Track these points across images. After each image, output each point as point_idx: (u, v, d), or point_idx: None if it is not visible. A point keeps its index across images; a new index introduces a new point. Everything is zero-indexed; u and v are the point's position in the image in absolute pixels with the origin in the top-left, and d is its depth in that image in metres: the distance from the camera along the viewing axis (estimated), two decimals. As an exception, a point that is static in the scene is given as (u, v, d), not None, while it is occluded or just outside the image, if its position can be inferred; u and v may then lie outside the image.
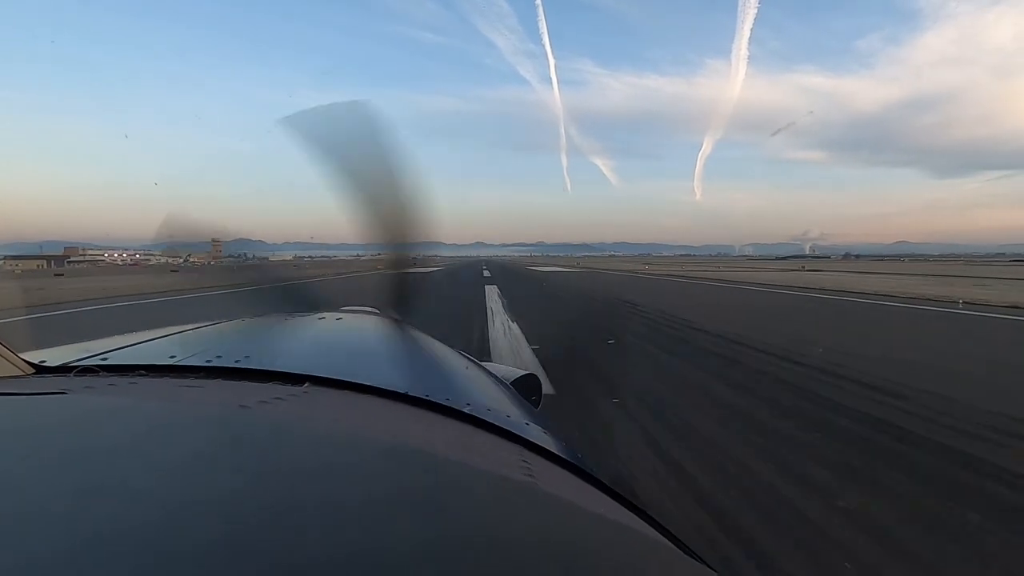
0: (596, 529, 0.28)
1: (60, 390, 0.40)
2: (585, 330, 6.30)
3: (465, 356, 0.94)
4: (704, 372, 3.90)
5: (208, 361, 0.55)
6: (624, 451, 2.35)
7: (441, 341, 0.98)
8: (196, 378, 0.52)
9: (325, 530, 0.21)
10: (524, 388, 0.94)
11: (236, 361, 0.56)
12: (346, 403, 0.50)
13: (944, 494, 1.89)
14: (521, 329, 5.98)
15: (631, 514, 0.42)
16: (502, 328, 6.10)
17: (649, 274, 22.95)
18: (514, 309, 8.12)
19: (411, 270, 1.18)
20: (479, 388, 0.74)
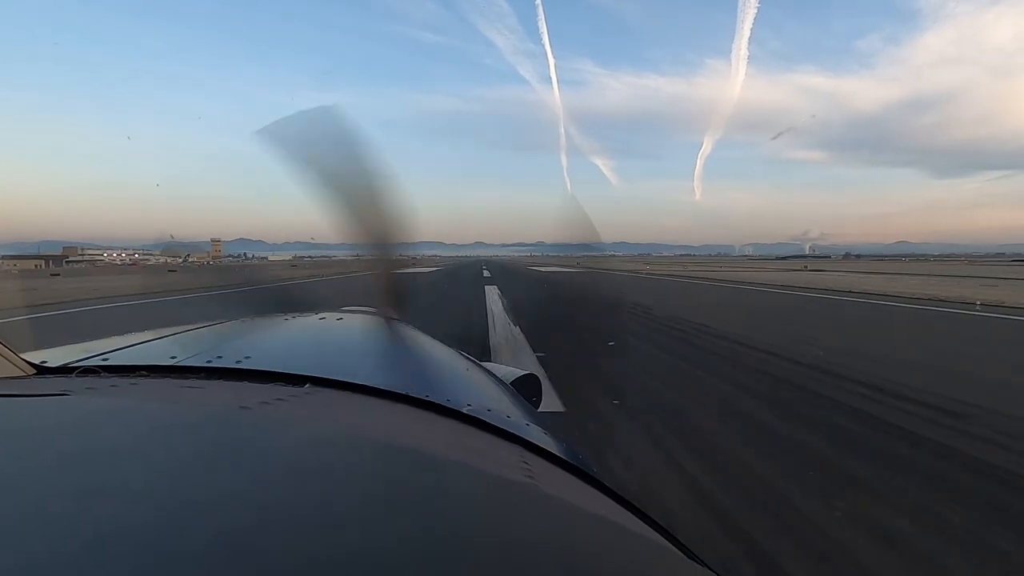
0: (597, 531, 0.28)
1: (62, 391, 0.40)
2: (594, 335, 5.83)
3: (465, 356, 0.94)
4: (754, 398, 3.24)
5: (209, 362, 0.55)
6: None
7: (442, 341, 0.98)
8: (197, 379, 0.52)
9: (326, 530, 0.21)
10: (524, 388, 0.94)
11: (237, 362, 0.56)
12: (347, 404, 0.50)
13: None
14: (524, 334, 5.70)
15: (632, 516, 0.42)
16: (504, 333, 5.83)
17: (651, 274, 22.65)
18: (516, 312, 7.79)
19: (398, 271, 1.20)
20: (479, 388, 0.74)
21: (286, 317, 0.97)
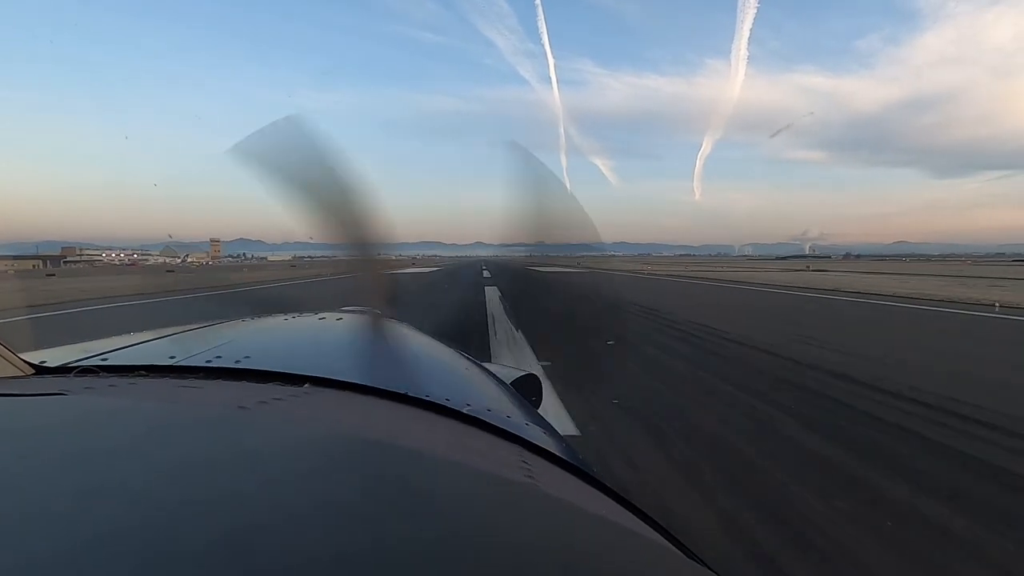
0: (597, 530, 0.28)
1: (60, 391, 0.40)
2: (601, 340, 5.51)
3: (465, 356, 0.94)
4: (783, 413, 2.99)
5: (208, 362, 0.55)
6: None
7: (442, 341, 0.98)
8: (196, 379, 0.52)
9: (325, 531, 0.21)
10: (524, 388, 0.94)
11: (236, 362, 0.56)
12: (346, 404, 0.50)
13: None
14: (528, 340, 5.38)
15: (631, 515, 0.42)
16: (505, 339, 5.52)
17: (653, 274, 22.39)
18: (518, 315, 7.43)
19: (382, 271, 1.23)
20: (479, 388, 0.74)
21: (286, 317, 0.97)
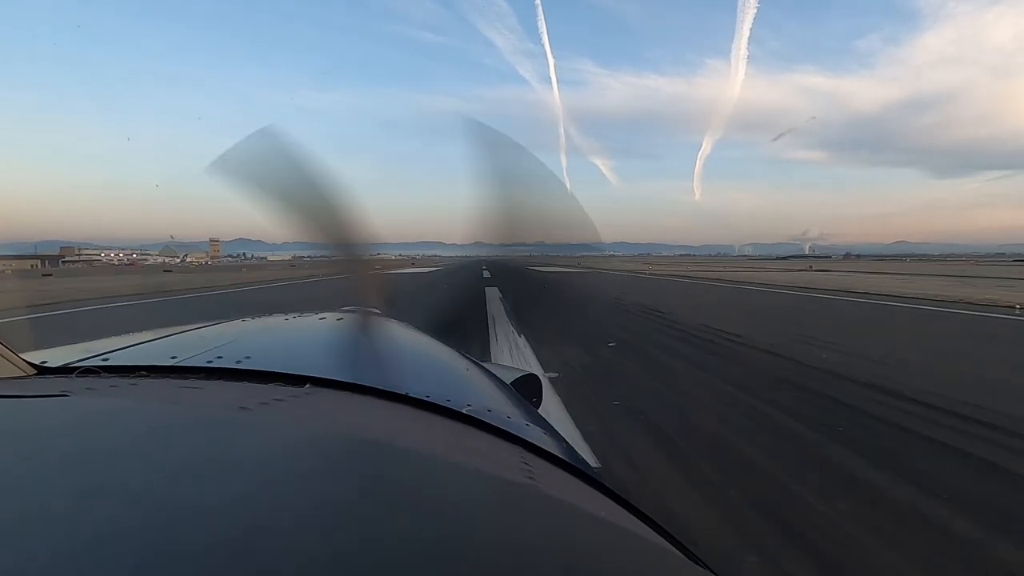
0: (597, 531, 0.28)
1: (61, 391, 0.40)
2: (611, 347, 5.09)
3: (465, 357, 0.94)
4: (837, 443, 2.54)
5: (209, 362, 0.55)
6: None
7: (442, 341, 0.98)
8: (197, 379, 0.52)
9: (326, 531, 0.21)
10: (524, 388, 0.94)
11: (237, 362, 0.56)
12: (347, 404, 0.50)
13: None
14: (531, 347, 5.03)
15: (632, 517, 0.42)
16: (507, 346, 5.16)
17: (655, 275, 22.03)
18: (520, 319, 7.05)
19: (367, 271, 1.26)
20: (479, 389, 0.74)
21: (286, 317, 0.97)
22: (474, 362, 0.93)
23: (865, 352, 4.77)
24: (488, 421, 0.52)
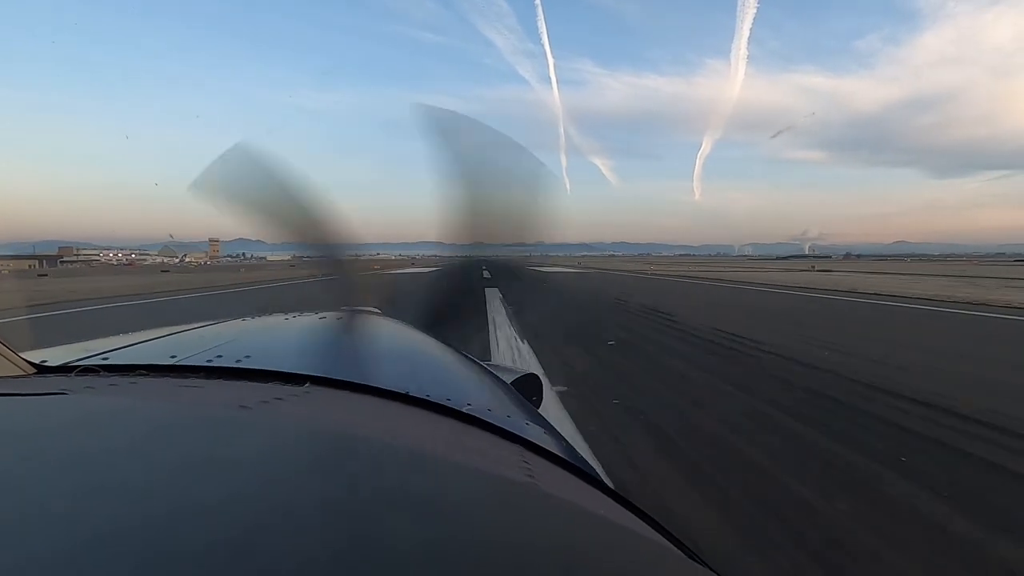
0: (597, 531, 0.28)
1: (61, 390, 0.40)
2: (625, 355, 4.69)
3: (466, 356, 0.94)
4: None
5: (209, 361, 0.55)
6: None
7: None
8: (197, 378, 0.52)
9: (326, 531, 0.21)
10: (524, 388, 0.94)
11: (237, 361, 0.56)
12: (347, 403, 0.50)
13: None
14: (537, 356, 4.61)
15: (632, 516, 0.42)
16: (510, 354, 4.77)
17: (657, 275, 21.65)
18: (521, 321, 6.73)
19: (353, 272, 1.28)
20: (479, 388, 0.74)
21: (286, 317, 0.97)
22: (474, 361, 0.93)
23: (913, 364, 4.24)
24: (488, 420, 0.52)
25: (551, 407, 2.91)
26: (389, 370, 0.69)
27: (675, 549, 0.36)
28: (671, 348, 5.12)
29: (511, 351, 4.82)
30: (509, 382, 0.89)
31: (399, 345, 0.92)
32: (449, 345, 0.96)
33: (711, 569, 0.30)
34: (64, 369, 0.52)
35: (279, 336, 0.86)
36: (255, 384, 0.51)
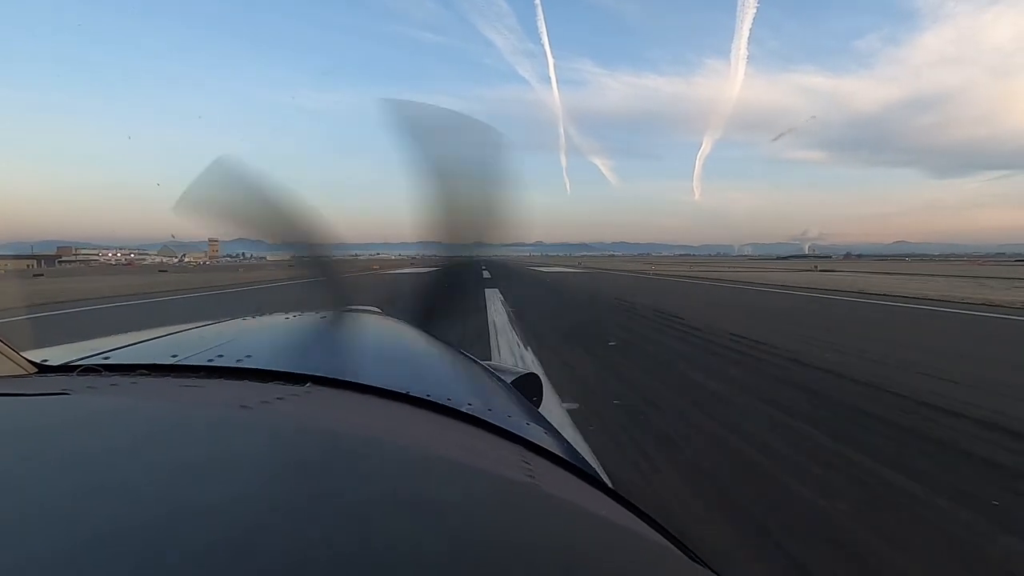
0: (597, 531, 0.28)
1: (62, 390, 0.40)
2: (637, 364, 4.33)
3: (466, 355, 0.94)
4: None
5: (210, 360, 0.55)
6: None
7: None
8: (198, 378, 0.52)
9: (326, 531, 0.21)
10: (525, 388, 0.94)
11: (238, 361, 0.56)
12: (348, 403, 0.50)
13: None
14: (543, 366, 4.27)
15: (632, 516, 0.42)
16: (510, 357, 4.58)
17: (658, 275, 21.45)
18: (522, 325, 6.50)
19: (337, 271, 1.31)
20: (480, 388, 0.74)
21: (287, 316, 0.97)
22: (475, 361, 0.93)
23: (932, 367, 3.90)
24: (488, 420, 0.52)
25: (566, 431, 2.55)
26: (390, 370, 0.69)
27: (675, 549, 0.37)
28: (699, 361, 4.51)
29: (513, 358, 4.65)
30: (509, 382, 0.90)
31: (400, 345, 0.92)
32: (450, 345, 0.96)
33: (711, 569, 0.30)
34: (65, 369, 0.52)
35: (280, 336, 0.86)
36: (256, 384, 0.51)
